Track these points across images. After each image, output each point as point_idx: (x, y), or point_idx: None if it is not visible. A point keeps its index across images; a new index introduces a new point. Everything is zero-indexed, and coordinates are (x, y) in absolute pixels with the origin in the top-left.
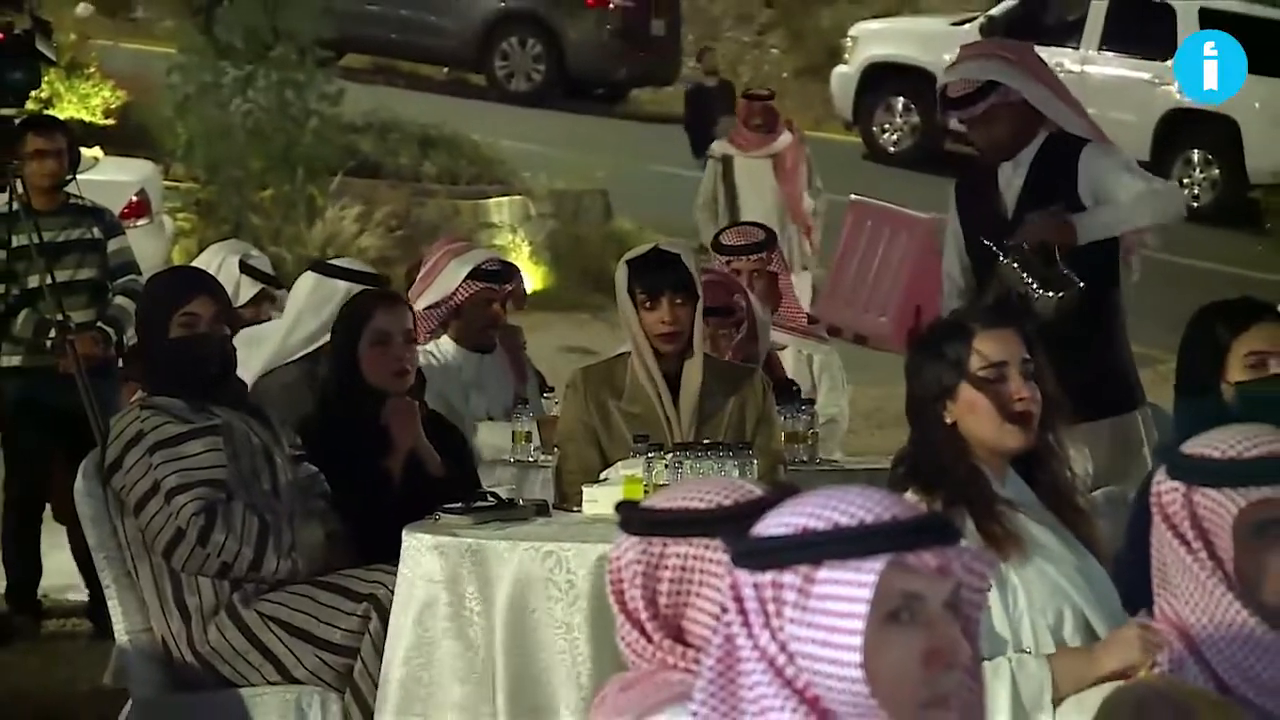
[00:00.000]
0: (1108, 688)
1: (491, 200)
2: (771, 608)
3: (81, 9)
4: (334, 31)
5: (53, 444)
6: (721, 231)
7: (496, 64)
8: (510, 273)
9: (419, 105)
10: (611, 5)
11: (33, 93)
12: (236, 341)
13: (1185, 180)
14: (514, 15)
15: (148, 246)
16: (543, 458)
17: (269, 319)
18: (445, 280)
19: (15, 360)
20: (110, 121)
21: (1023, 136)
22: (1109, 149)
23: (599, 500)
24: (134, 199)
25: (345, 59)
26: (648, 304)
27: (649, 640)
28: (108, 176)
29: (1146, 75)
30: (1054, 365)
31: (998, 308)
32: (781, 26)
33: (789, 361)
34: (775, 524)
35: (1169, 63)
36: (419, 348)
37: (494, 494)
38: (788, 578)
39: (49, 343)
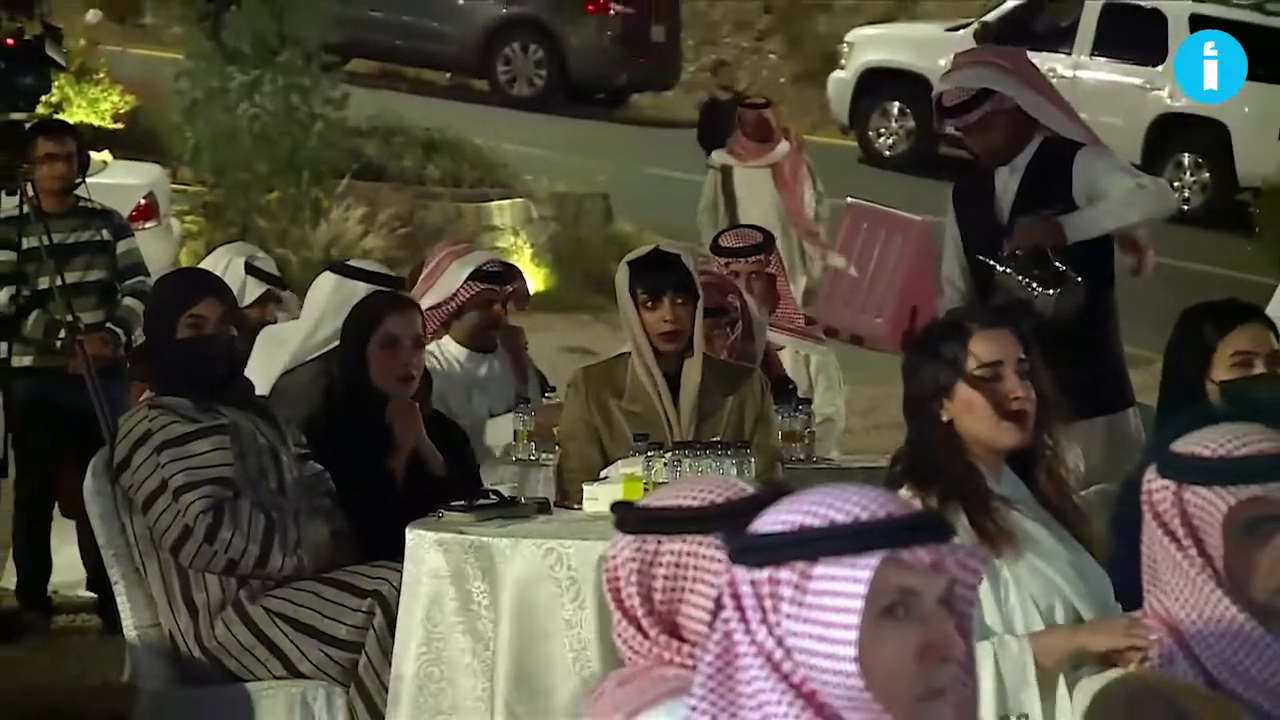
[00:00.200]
0: (1101, 680)
1: (494, 203)
2: (769, 604)
3: (91, 15)
4: (339, 37)
5: (63, 443)
6: (720, 234)
7: (499, 69)
8: (511, 274)
9: (423, 110)
10: (612, 11)
11: (43, 97)
12: (260, 340)
13: (1176, 184)
14: (516, 21)
15: (156, 249)
16: (544, 456)
17: (274, 319)
18: (447, 281)
19: (26, 360)
20: (119, 126)
21: (1018, 142)
22: (1102, 152)
23: (599, 498)
24: (142, 202)
25: (350, 64)
26: (649, 304)
27: (645, 636)
28: (116, 180)
29: (1138, 80)
30: (1053, 364)
31: (995, 308)
32: (780, 33)
33: (786, 362)
34: (772, 521)
35: (1160, 68)
36: None
37: (496, 492)
38: (784, 574)
39: (59, 343)
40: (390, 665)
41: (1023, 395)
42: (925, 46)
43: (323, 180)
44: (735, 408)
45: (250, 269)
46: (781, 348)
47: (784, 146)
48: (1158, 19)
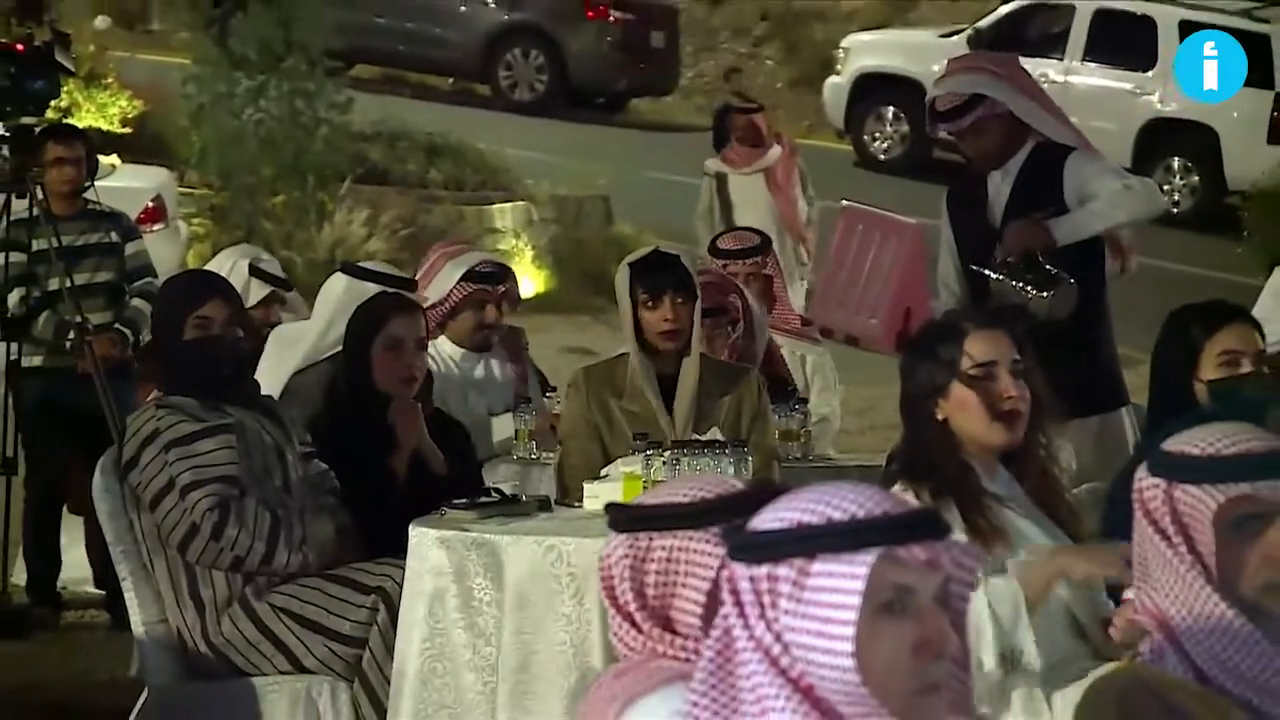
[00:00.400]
0: (1094, 677)
1: (495, 206)
2: (767, 600)
3: (100, 21)
4: (343, 43)
5: (72, 442)
6: (718, 236)
7: (500, 75)
8: (504, 274)
9: (426, 114)
10: (612, 18)
11: (52, 102)
12: (271, 341)
13: (1165, 187)
14: (517, 28)
15: (163, 251)
16: (545, 455)
17: (278, 320)
18: (441, 282)
19: (36, 361)
20: (127, 130)
21: (1010, 146)
22: (1093, 155)
23: (600, 496)
24: (150, 205)
25: (354, 70)
26: (649, 304)
27: (639, 631)
28: (125, 183)
29: (1128, 85)
30: (1047, 364)
31: (990, 309)
32: (777, 39)
33: None
34: (770, 519)
35: (1150, 73)
36: None
37: (497, 490)
38: (783, 570)
39: (68, 344)
40: (394, 660)
41: (1016, 395)
42: (919, 52)
43: (327, 184)
44: (732, 407)
45: (255, 271)
46: (779, 349)
47: (776, 151)
48: (1148, 25)
